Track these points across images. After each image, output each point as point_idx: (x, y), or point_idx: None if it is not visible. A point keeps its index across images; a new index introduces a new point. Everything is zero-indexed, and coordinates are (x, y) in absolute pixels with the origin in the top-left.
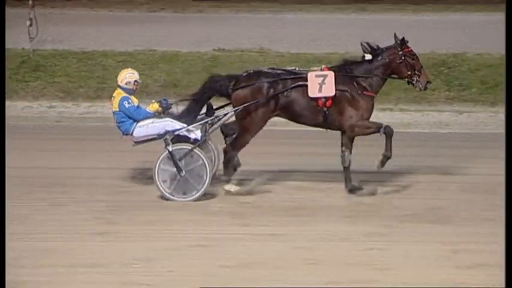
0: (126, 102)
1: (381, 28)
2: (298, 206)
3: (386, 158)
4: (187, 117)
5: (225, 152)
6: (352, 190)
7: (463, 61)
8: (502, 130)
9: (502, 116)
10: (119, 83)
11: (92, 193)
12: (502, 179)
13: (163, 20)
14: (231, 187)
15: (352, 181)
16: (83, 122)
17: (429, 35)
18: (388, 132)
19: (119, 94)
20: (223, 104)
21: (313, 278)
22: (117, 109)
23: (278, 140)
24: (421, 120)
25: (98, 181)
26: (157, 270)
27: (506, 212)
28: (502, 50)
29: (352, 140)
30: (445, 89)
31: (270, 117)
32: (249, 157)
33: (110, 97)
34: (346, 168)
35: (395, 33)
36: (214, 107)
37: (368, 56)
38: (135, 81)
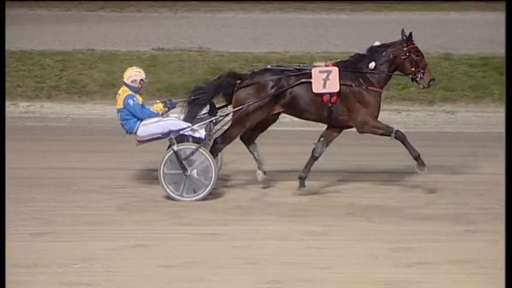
0: (131, 100)
1: (320, 27)
2: (240, 205)
3: (417, 158)
4: (190, 115)
5: (215, 142)
6: (300, 178)
7: None
8: (439, 129)
9: (440, 115)
10: (125, 80)
11: (31, 193)
12: (446, 177)
13: (101, 19)
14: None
15: (306, 173)
16: (21, 122)
17: (368, 33)
18: (400, 137)
19: (124, 91)
20: (223, 104)
21: (253, 277)
22: (122, 106)
23: None
24: None
25: (38, 181)
26: (96, 270)
27: (506, 211)
28: (441, 49)
29: (334, 137)
30: (386, 88)
31: (268, 114)
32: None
33: (49, 96)
34: (313, 158)
35: (402, 29)
36: (216, 106)
37: (376, 43)
38: (141, 80)
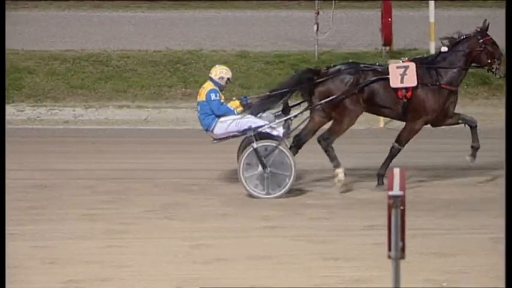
0: (214, 94)
1: (117, 25)
2: (38, 205)
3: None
4: (262, 110)
5: (319, 141)
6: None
7: (198, 58)
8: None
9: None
10: (212, 76)
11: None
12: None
13: None
14: (339, 173)
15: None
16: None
17: (165, 32)
18: (393, 154)
19: (208, 85)
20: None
21: (52, 277)
22: (204, 99)
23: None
24: (158, 117)
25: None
26: None
27: (506, 210)
28: (237, 47)
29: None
30: (181, 85)
31: (360, 111)
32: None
33: None
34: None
35: (485, 20)
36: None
37: (444, 48)
38: (228, 78)
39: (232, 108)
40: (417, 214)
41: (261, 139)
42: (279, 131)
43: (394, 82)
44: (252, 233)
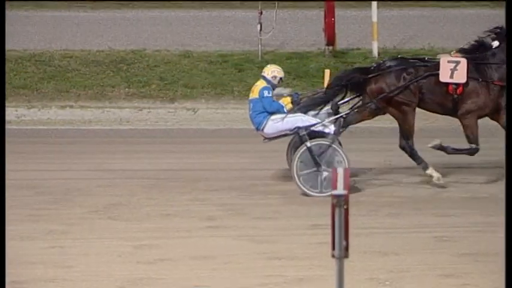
0: (267, 91)
1: (60, 25)
2: None
3: (438, 147)
4: (312, 109)
5: (402, 147)
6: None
7: (142, 58)
8: (180, 126)
9: (181, 112)
10: (265, 75)
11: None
12: (189, 173)
13: None
14: (433, 172)
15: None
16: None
17: (109, 32)
18: (470, 153)
19: (262, 83)
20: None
21: None
22: (257, 96)
23: None
24: (101, 117)
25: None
26: None
27: (506, 210)
28: (181, 47)
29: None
30: (125, 85)
31: (416, 105)
32: None
33: None
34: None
35: None
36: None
37: (495, 43)
38: (280, 78)
39: (283, 105)
40: (361, 213)
41: (312, 138)
42: (331, 129)
43: (444, 76)
44: (196, 233)
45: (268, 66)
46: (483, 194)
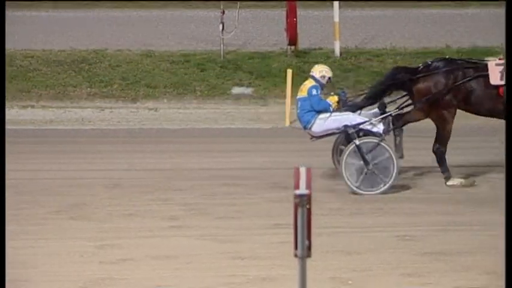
0: (315, 90)
1: (21, 24)
2: None
3: None
4: (360, 107)
5: (434, 152)
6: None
7: (103, 57)
8: (142, 125)
9: (143, 112)
10: (314, 74)
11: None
12: (147, 173)
13: None
14: (455, 181)
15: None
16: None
17: (70, 32)
18: None
19: (310, 82)
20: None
21: None
22: (305, 94)
23: None
24: (63, 117)
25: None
26: None
27: (506, 212)
28: (143, 46)
29: None
30: (86, 85)
31: (456, 110)
32: None
33: None
34: None
35: None
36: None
37: None
38: (329, 77)
39: (331, 102)
40: (323, 212)
41: (360, 136)
42: (380, 128)
43: (494, 79)
44: (158, 232)
45: (317, 66)
46: (444, 194)
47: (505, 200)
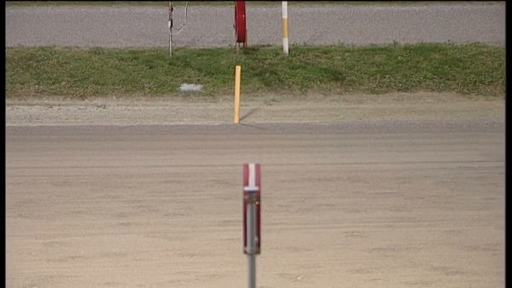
0: None
1: None
2: None
3: None
4: None
5: None
6: None
7: (51, 54)
8: (91, 123)
9: (92, 109)
10: None
11: None
12: (97, 170)
13: None
14: None
15: None
16: None
17: (18, 28)
18: None
19: None
20: None
21: None
22: None
23: None
24: (11, 114)
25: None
26: None
27: (506, 212)
28: (91, 43)
29: None
30: (34, 82)
31: None
32: None
33: None
34: None
35: None
36: None
37: None
38: None
39: None
40: (272, 209)
41: None
42: None
43: None
44: (107, 230)
45: None
46: (392, 190)
47: (505, 200)
